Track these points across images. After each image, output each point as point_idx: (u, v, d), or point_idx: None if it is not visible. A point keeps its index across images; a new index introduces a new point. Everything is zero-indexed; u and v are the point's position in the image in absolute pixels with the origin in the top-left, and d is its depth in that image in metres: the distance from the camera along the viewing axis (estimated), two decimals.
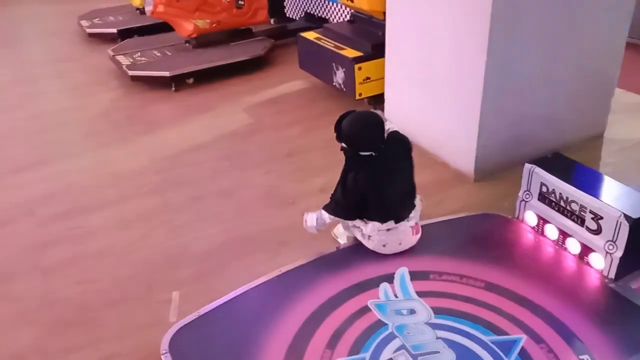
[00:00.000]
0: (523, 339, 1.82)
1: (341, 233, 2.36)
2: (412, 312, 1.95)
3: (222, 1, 4.66)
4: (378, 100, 3.52)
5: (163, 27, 4.98)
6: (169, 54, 4.61)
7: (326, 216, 2.18)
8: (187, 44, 4.73)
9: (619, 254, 2.00)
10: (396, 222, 2.15)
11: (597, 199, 2.05)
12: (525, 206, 2.35)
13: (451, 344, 1.81)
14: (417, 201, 2.25)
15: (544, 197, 2.26)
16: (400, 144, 2.18)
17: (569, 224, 2.16)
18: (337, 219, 2.21)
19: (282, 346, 1.84)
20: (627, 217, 1.95)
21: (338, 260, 2.24)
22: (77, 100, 4.28)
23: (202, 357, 1.87)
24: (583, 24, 2.77)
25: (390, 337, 1.85)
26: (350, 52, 3.56)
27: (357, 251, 2.25)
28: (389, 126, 2.17)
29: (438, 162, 3.03)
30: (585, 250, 2.12)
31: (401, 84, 3.29)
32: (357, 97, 3.56)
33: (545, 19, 2.64)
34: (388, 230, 2.16)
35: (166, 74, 4.20)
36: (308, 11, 5.16)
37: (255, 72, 4.44)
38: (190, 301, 2.13)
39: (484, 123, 2.70)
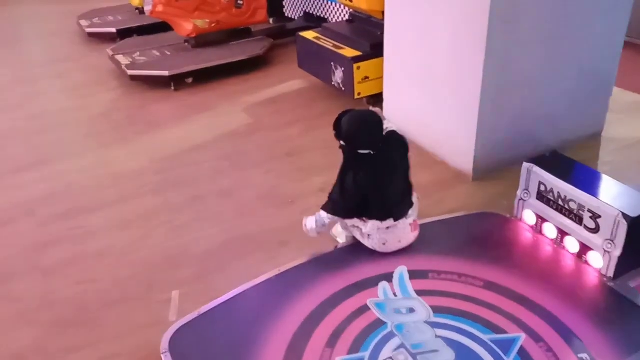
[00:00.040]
0: (522, 337, 1.82)
1: (340, 233, 2.37)
2: (411, 311, 1.96)
3: (221, 1, 4.66)
4: (377, 99, 3.52)
5: (162, 27, 4.98)
6: (168, 53, 4.61)
7: (325, 216, 2.19)
8: (186, 44, 4.73)
9: (617, 252, 2.01)
10: (395, 220, 2.16)
11: (596, 197, 2.06)
12: (523, 205, 2.36)
13: (450, 342, 1.82)
14: (415, 199, 2.27)
15: (542, 196, 2.26)
16: (399, 144, 2.18)
17: (567, 223, 2.17)
18: (336, 218, 2.22)
19: (281, 345, 1.85)
20: (625, 215, 1.95)
21: (337, 260, 2.24)
22: (77, 100, 4.28)
23: (202, 356, 1.87)
24: (581, 23, 2.77)
25: (390, 336, 1.85)
26: (349, 52, 3.56)
27: (356, 250, 2.26)
28: (387, 125, 2.18)
29: (437, 161, 3.03)
30: (584, 249, 2.13)
31: (400, 84, 3.29)
32: (356, 96, 3.56)
33: (543, 19, 2.64)
34: (387, 228, 2.17)
35: (165, 73, 4.20)
36: (307, 11, 5.16)
37: (254, 71, 4.44)
38: (190, 301, 2.13)
39: (482, 122, 2.71)
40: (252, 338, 1.89)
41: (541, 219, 2.29)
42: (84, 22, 5.69)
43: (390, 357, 1.78)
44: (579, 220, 2.12)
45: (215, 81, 4.30)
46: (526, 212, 2.35)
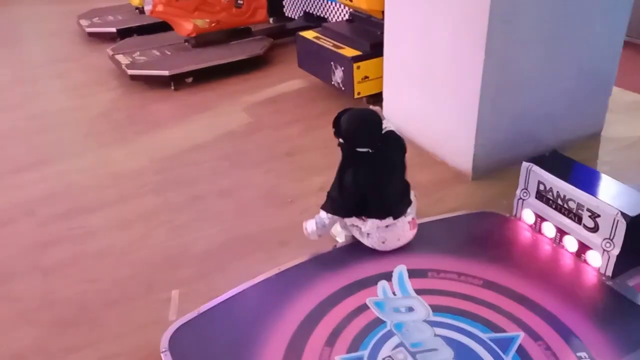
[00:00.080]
0: (521, 336, 1.83)
1: (339, 232, 2.37)
2: (410, 309, 1.96)
3: (222, 1, 4.66)
4: (376, 99, 3.52)
5: (162, 27, 4.99)
6: (168, 53, 4.62)
7: (324, 216, 2.19)
8: (186, 43, 4.74)
9: (616, 251, 2.01)
10: (394, 219, 2.17)
11: (595, 197, 2.06)
12: (522, 204, 2.36)
13: (449, 341, 1.82)
14: (413, 197, 2.28)
15: (541, 195, 2.27)
16: (397, 144, 2.19)
17: (566, 222, 2.17)
18: (335, 218, 2.22)
19: (281, 344, 1.85)
20: (624, 215, 1.96)
21: (336, 259, 2.25)
22: (77, 100, 4.29)
23: (201, 355, 1.88)
24: (581, 23, 2.78)
25: (389, 335, 1.86)
26: (349, 51, 3.57)
27: (355, 249, 2.26)
28: (386, 125, 2.19)
29: (437, 160, 3.04)
30: (583, 248, 2.13)
31: (400, 83, 3.30)
32: (356, 96, 3.57)
33: (543, 19, 2.64)
34: (387, 227, 2.17)
35: (165, 73, 4.20)
36: (307, 10, 5.16)
37: (254, 71, 4.44)
38: (190, 300, 2.13)
39: (482, 122, 2.71)
40: (252, 337, 1.89)
41: (540, 218, 2.29)
42: (84, 22, 5.70)
43: (390, 356, 1.78)
44: (578, 219, 2.12)
45: (215, 81, 4.31)
46: (525, 211, 2.35)
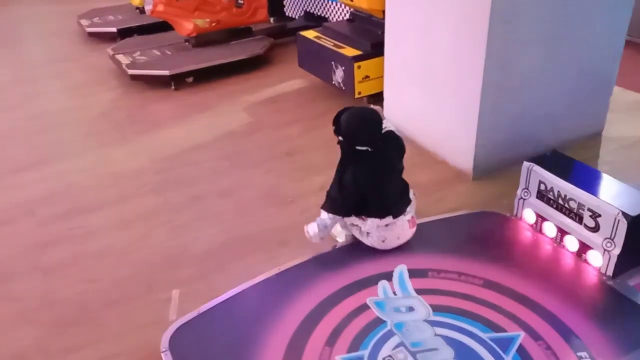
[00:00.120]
0: (521, 336, 1.82)
1: (339, 232, 2.37)
2: (410, 309, 1.96)
3: (222, 0, 4.66)
4: (377, 98, 3.52)
5: (163, 26, 4.99)
6: (169, 53, 4.62)
7: (325, 216, 2.19)
8: (186, 43, 4.74)
9: (616, 251, 2.01)
10: (394, 218, 2.17)
11: (595, 196, 2.06)
12: (523, 204, 2.36)
13: (450, 341, 1.82)
14: (412, 195, 2.28)
15: (542, 195, 2.26)
16: (397, 143, 2.19)
17: (567, 222, 2.17)
18: (337, 217, 2.22)
19: (281, 344, 1.85)
20: (625, 214, 1.95)
21: (337, 259, 2.24)
22: (77, 100, 4.29)
23: (201, 354, 1.87)
24: (582, 22, 2.77)
25: (389, 335, 1.85)
26: (349, 51, 3.56)
27: (355, 249, 2.26)
28: (386, 125, 2.19)
29: (437, 160, 3.03)
30: (583, 247, 2.13)
31: (400, 83, 3.29)
32: (357, 95, 3.56)
33: (544, 18, 2.64)
34: (386, 226, 2.17)
35: (166, 73, 4.20)
36: (307, 10, 5.16)
37: (254, 71, 4.44)
38: (190, 300, 2.13)
39: (482, 121, 2.70)
40: (252, 337, 1.89)
41: (541, 218, 2.29)
42: (84, 22, 5.70)
43: (390, 356, 1.78)
44: (578, 219, 2.12)
45: (215, 80, 4.30)
46: (526, 211, 2.35)
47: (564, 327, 1.85)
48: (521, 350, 1.77)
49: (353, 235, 2.30)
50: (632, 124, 3.32)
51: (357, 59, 3.48)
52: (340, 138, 2.13)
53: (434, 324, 1.88)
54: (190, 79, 4.29)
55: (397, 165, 2.21)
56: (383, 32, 3.30)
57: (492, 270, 2.11)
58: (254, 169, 3.13)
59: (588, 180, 2.19)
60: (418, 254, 2.22)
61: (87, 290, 2.30)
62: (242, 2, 4.75)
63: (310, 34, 3.95)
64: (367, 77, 3.52)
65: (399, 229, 2.19)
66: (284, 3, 5.49)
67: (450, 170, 2.94)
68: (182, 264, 2.41)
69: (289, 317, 1.95)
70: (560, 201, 2.18)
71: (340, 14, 4.59)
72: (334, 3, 4.62)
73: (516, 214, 2.41)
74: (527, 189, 2.32)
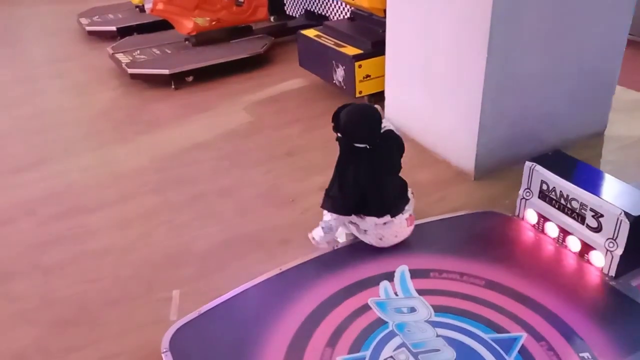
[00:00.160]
0: (523, 336, 1.82)
1: (340, 232, 2.36)
2: (412, 310, 1.95)
3: None
4: (378, 98, 3.51)
5: (163, 25, 4.97)
6: (169, 51, 4.61)
7: (329, 218, 2.18)
8: (186, 42, 4.72)
9: (619, 251, 2.00)
10: (392, 217, 2.16)
11: (598, 196, 2.05)
12: (525, 204, 2.35)
13: (451, 341, 1.81)
14: (410, 194, 2.28)
15: (544, 195, 2.25)
16: (396, 142, 2.19)
17: (569, 222, 2.16)
18: (341, 217, 2.19)
19: (282, 344, 1.84)
20: (627, 214, 1.95)
21: (338, 259, 2.24)
22: (77, 99, 4.28)
23: (202, 355, 1.87)
24: (584, 21, 2.76)
25: (391, 335, 1.85)
26: (350, 50, 3.55)
27: (357, 249, 2.25)
28: (385, 124, 2.18)
29: (438, 160, 3.03)
30: (586, 248, 2.12)
31: (401, 82, 3.28)
32: (357, 95, 3.55)
33: (546, 17, 2.63)
34: (384, 224, 2.17)
35: (166, 72, 4.19)
36: (308, 9, 5.15)
37: (255, 70, 4.43)
38: (191, 300, 2.13)
39: (484, 121, 2.70)
40: (253, 337, 1.88)
41: (543, 218, 2.28)
42: (84, 20, 5.68)
43: (392, 357, 1.77)
44: (581, 219, 2.11)
45: (215, 80, 4.29)
46: (528, 211, 2.34)
47: (566, 328, 1.84)
48: (523, 351, 1.77)
49: (353, 235, 2.29)
50: (634, 123, 3.31)
51: (358, 58, 3.47)
52: (339, 134, 2.12)
53: (435, 324, 1.88)
54: (190, 78, 4.28)
55: (397, 164, 2.21)
56: (384, 31, 3.29)
57: (494, 270, 2.10)
58: (255, 168, 3.12)
59: (590, 180, 2.18)
60: (419, 254, 2.22)
61: (87, 290, 2.30)
62: (242, 0, 4.74)
63: (310, 32, 3.94)
64: (368, 76, 3.51)
65: (396, 227, 2.19)
66: (285, 1, 5.48)
67: (451, 170, 2.93)
68: (183, 264, 2.40)
69: (290, 317, 1.94)
70: (563, 201, 2.17)
71: (341, 12, 4.59)
72: (335, 2, 4.61)
73: (518, 214, 2.40)
74: (529, 188, 2.31)
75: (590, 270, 2.10)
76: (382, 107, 3.32)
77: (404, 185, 2.26)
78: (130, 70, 4.25)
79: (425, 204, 2.53)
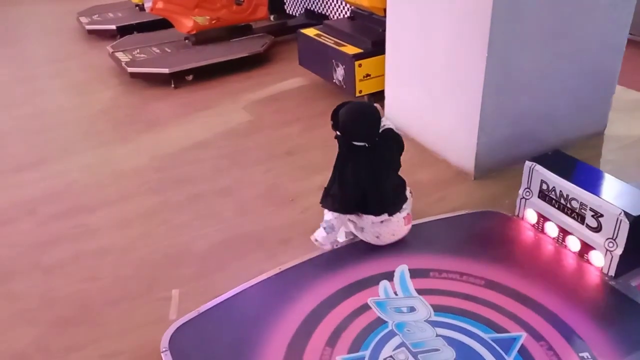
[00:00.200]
0: (523, 336, 1.82)
1: (340, 232, 2.36)
2: (412, 309, 1.95)
3: None
4: (378, 97, 3.51)
5: (162, 24, 4.97)
6: (169, 50, 4.60)
7: (330, 217, 2.17)
8: (186, 41, 4.72)
9: (619, 251, 2.00)
10: (390, 215, 2.16)
11: (598, 196, 2.05)
12: (525, 204, 2.35)
13: (451, 341, 1.81)
14: (408, 193, 2.28)
15: (544, 195, 2.25)
16: (395, 141, 2.19)
17: (569, 222, 2.16)
18: (341, 216, 2.19)
19: (282, 344, 1.85)
20: (627, 214, 1.95)
21: (337, 258, 2.24)
22: (77, 99, 4.28)
23: (202, 354, 1.87)
24: (584, 21, 2.76)
25: (390, 335, 1.85)
26: (350, 49, 3.55)
27: (356, 249, 2.26)
28: (385, 123, 2.18)
29: (438, 159, 3.03)
30: (586, 247, 2.12)
31: (401, 81, 3.28)
32: (357, 94, 3.55)
33: (546, 16, 2.63)
34: (382, 222, 2.17)
35: (165, 70, 4.19)
36: (308, 8, 5.15)
37: (254, 69, 4.43)
38: (191, 300, 2.13)
39: (484, 121, 2.69)
40: (253, 337, 1.88)
41: (543, 218, 2.28)
42: (83, 19, 5.68)
43: (391, 356, 1.77)
44: (580, 219, 2.11)
45: (215, 79, 4.29)
46: (528, 210, 2.34)
47: (566, 328, 1.84)
48: (523, 350, 1.77)
49: (353, 234, 2.29)
50: (634, 123, 3.30)
51: (358, 57, 3.46)
52: (338, 133, 2.12)
53: (435, 324, 1.88)
54: (190, 77, 4.28)
55: (395, 162, 2.21)
56: (384, 30, 3.29)
57: (494, 270, 2.10)
58: (254, 167, 3.12)
59: (590, 180, 2.18)
60: (419, 254, 2.22)
61: (87, 289, 2.30)
62: None
63: (310, 31, 3.93)
64: (368, 75, 3.50)
65: (394, 225, 2.19)
66: (285, 0, 5.47)
67: (451, 170, 2.93)
68: (183, 263, 2.40)
69: (289, 317, 1.95)
70: (562, 201, 2.17)
71: (341, 11, 4.58)
72: (335, 1, 4.61)
73: (518, 214, 2.40)
74: (529, 188, 2.31)
75: (590, 270, 2.10)
76: (382, 106, 3.33)
77: (402, 184, 2.27)
78: (130, 69, 4.24)
79: (425, 203, 2.53)
